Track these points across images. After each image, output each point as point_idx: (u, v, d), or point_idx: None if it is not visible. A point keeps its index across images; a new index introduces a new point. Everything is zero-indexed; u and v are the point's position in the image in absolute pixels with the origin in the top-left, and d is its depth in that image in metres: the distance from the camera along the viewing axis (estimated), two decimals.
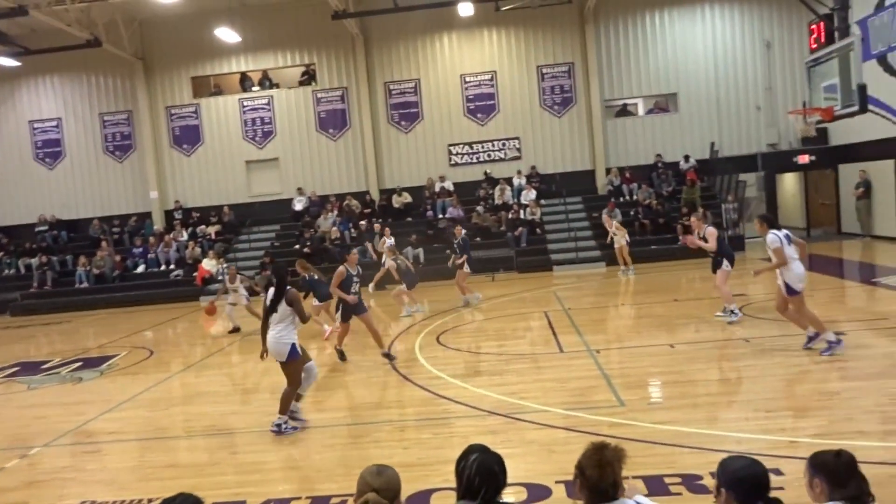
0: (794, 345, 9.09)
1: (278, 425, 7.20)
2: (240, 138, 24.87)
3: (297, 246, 22.29)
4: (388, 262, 15.68)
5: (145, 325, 17.02)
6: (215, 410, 8.70)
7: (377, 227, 21.26)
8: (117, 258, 22.79)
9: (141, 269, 22.77)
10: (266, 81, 25.07)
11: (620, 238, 18.07)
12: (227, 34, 22.85)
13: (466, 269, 14.84)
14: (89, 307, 20.89)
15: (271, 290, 7.34)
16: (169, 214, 24.80)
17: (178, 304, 20.25)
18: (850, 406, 6.53)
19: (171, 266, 22.48)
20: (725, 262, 10.84)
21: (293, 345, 7.19)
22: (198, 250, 22.43)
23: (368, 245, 15.35)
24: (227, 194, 24.87)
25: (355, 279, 9.85)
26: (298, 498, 5.49)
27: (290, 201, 24.45)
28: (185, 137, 24.99)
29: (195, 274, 21.33)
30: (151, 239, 23.38)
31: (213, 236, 23.47)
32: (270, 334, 7.24)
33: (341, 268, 9.71)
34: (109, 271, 22.37)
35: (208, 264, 21.41)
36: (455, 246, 15.22)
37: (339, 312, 10.32)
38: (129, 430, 8.02)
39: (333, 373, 10.07)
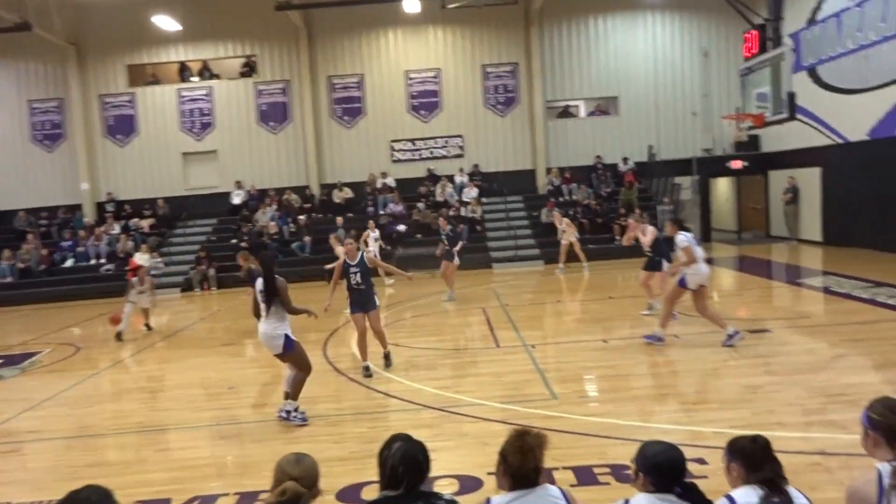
0: (720, 341, 9.36)
1: (287, 412, 7.05)
2: (177, 129, 24.23)
3: (234, 240, 21.85)
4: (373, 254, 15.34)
5: (72, 321, 16.43)
6: (143, 408, 8.44)
7: (339, 220, 21.06)
8: (44, 252, 21.89)
9: (69, 262, 21.94)
10: (206, 72, 24.49)
11: (570, 235, 18.21)
12: (165, 22, 22.24)
13: (456, 261, 14.59)
14: (13, 303, 19.96)
15: (259, 282, 7.05)
16: (100, 207, 23.99)
17: (109, 299, 19.48)
18: (771, 399, 6.75)
19: (102, 260, 21.72)
20: (665, 263, 11.11)
21: (286, 335, 7.02)
22: (130, 244, 21.73)
23: (332, 238, 14.81)
24: (162, 187, 24.19)
25: (353, 270, 8.90)
26: (226, 494, 5.37)
27: (227, 195, 23.94)
28: (119, 127, 24.21)
29: (127, 268, 20.63)
30: (81, 232, 22.55)
31: (147, 230, 22.79)
32: (264, 328, 7.05)
33: (340, 260, 9.12)
34: (35, 265, 21.47)
35: (141, 258, 20.69)
36: (443, 237, 14.91)
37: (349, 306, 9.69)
38: (51, 429, 7.70)
39: (269, 367, 9.88)
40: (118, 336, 12.74)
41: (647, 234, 11.41)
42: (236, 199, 23.73)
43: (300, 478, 2.73)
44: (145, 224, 22.96)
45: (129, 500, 5.29)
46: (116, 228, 22.75)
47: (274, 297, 6.96)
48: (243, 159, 24.33)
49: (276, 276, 7.05)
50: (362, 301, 8.89)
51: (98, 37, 23.79)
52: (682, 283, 9.16)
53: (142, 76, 24.59)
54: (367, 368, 8.81)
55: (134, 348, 12.44)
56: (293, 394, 7.09)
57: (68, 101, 23.89)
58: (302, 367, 7.16)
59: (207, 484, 5.67)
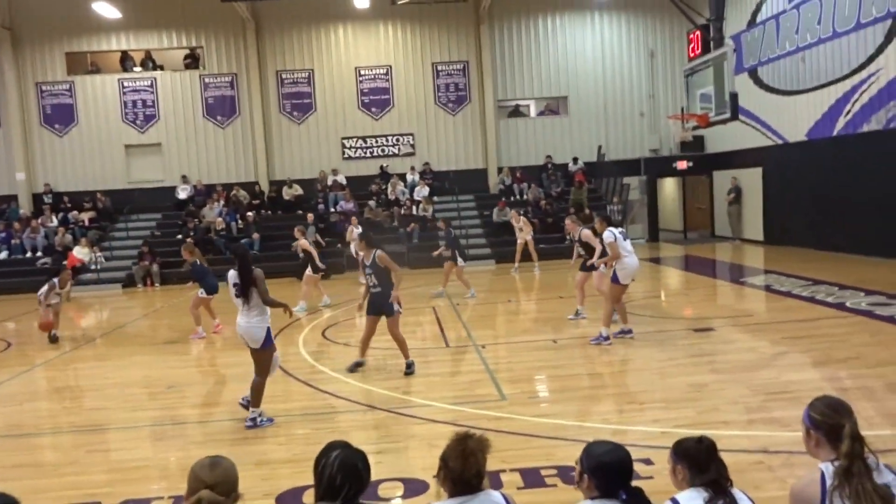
0: (668, 339, 9.49)
1: (253, 419, 6.68)
2: (119, 121, 23.51)
3: (179, 236, 21.28)
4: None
5: (6, 315, 15.75)
6: (78, 406, 8.11)
7: (311, 217, 20.74)
8: None
9: (3, 255, 21.09)
10: (149, 62, 23.80)
11: (526, 234, 18.16)
12: (105, 9, 21.53)
13: (461, 262, 14.35)
14: None
15: (233, 274, 6.72)
16: (37, 198, 23.13)
17: None
18: (716, 397, 6.84)
19: (38, 253, 20.95)
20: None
21: (268, 329, 6.75)
22: (69, 237, 21.01)
23: (297, 232, 14.19)
24: (103, 179, 23.45)
25: (367, 272, 8.46)
26: (160, 498, 5.17)
27: (173, 189, 23.35)
28: (57, 117, 23.35)
29: (65, 262, 19.93)
30: (16, 224, 21.67)
31: (87, 223, 22.06)
32: (244, 320, 6.68)
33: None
34: None
35: (80, 253, 20.12)
36: (442, 240, 15.10)
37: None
38: None
39: (212, 367, 9.63)
40: (53, 339, 12.00)
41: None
42: (182, 194, 23.14)
43: (216, 484, 2.51)
44: (85, 217, 22.22)
45: None
46: (54, 221, 21.95)
47: (251, 289, 6.65)
48: (189, 153, 23.74)
49: (253, 266, 6.77)
50: (377, 304, 8.39)
51: (34, 21, 22.91)
52: (615, 279, 9.44)
53: (81, 64, 23.79)
54: (358, 364, 8.63)
55: (71, 344, 11.98)
56: (254, 401, 6.75)
57: (2, 88, 22.94)
58: (262, 370, 6.81)
59: (143, 486, 5.45)
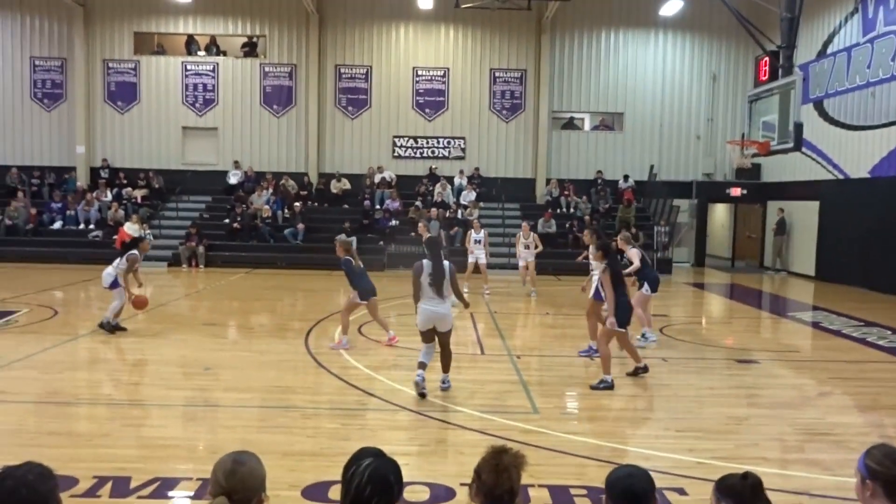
0: (708, 368, 9.26)
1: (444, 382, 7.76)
2: (178, 103, 23.97)
3: (226, 220, 21.63)
4: None
5: (55, 283, 16.18)
6: (116, 380, 8.25)
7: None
8: (33, 211, 21.62)
9: (58, 225, 21.68)
10: (213, 47, 24.24)
11: (530, 255, 15.81)
12: None
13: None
14: None
15: (428, 265, 7.49)
16: (94, 172, 23.70)
17: (94, 265, 19.19)
18: (756, 432, 6.63)
19: (91, 226, 21.49)
20: (646, 286, 10.53)
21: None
22: (121, 213, 21.49)
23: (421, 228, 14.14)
24: (158, 158, 23.94)
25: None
26: (189, 479, 5.19)
27: (224, 174, 23.72)
28: (120, 94, 23.92)
29: (115, 237, 20.39)
30: (72, 195, 22.27)
31: (139, 200, 22.54)
32: (440, 308, 7.46)
33: None
34: (23, 224, 21.21)
35: (130, 228, 20.50)
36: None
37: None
38: (18, 391, 7.47)
39: (249, 352, 9.71)
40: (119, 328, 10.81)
41: (634, 260, 10.73)
42: (233, 179, 23.50)
43: (233, 491, 2.37)
44: (138, 194, 22.70)
45: (88, 474, 5.12)
46: (108, 196, 22.49)
47: (443, 280, 7.31)
48: (243, 140, 24.10)
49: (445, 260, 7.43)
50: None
51: (106, 0, 23.50)
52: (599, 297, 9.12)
53: (148, 45, 24.34)
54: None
55: (114, 319, 12.20)
56: (447, 367, 7.67)
57: (71, 62, 23.58)
58: (449, 342, 7.61)
59: (171, 465, 5.50)
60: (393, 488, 2.47)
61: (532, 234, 16.18)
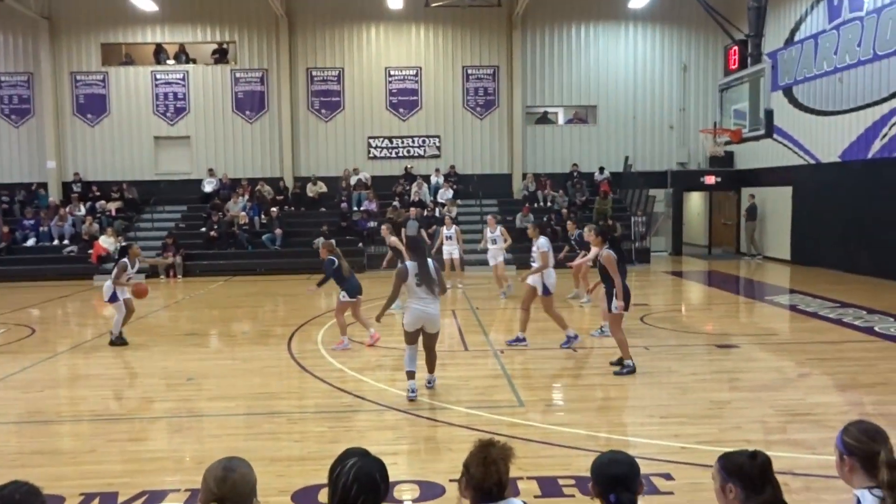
0: (690, 354, 9.37)
1: (429, 381, 7.76)
2: (150, 113, 23.75)
3: (203, 229, 21.47)
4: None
5: (31, 301, 15.95)
6: (98, 395, 8.16)
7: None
8: (5, 229, 21.29)
9: (31, 242, 21.38)
10: (182, 55, 24.02)
11: (499, 254, 15.01)
12: (142, 2, 21.75)
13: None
14: None
15: (414, 266, 7.37)
16: (66, 186, 23.40)
17: (70, 281, 19.10)
18: (738, 415, 6.72)
19: (65, 241, 21.22)
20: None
21: None
22: (95, 226, 21.25)
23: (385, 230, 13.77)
24: (131, 170, 23.71)
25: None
26: (177, 490, 5.17)
27: (199, 182, 23.54)
28: (89, 107, 23.64)
29: (90, 251, 20.19)
30: (44, 211, 21.97)
31: (114, 213, 22.30)
32: (432, 309, 7.32)
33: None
34: None
35: (105, 242, 20.34)
36: (573, 242, 14.70)
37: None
38: None
39: (231, 360, 9.66)
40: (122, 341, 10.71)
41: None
42: (208, 187, 23.33)
43: (225, 498, 2.38)
44: (112, 207, 22.46)
45: (74, 491, 5.08)
46: (82, 210, 22.23)
47: (432, 278, 7.21)
48: (217, 147, 23.93)
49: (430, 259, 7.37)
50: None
51: (72, 12, 23.23)
52: (546, 292, 9.81)
53: (116, 55, 24.08)
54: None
55: (93, 332, 12.10)
56: (433, 366, 7.65)
57: (38, 76, 23.26)
58: (435, 345, 7.54)
59: (159, 478, 5.46)
60: (379, 486, 2.47)
61: (499, 227, 15.34)
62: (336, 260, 9.98)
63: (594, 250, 8.73)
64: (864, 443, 2.66)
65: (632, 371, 8.18)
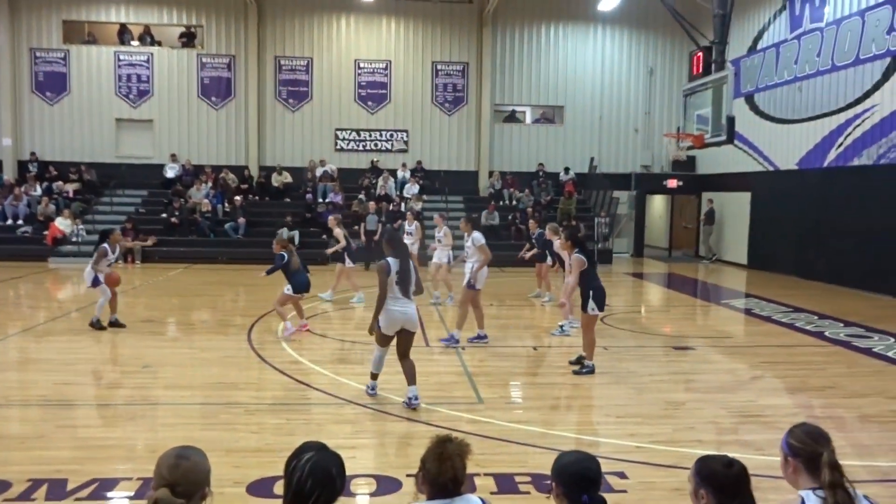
0: (647, 355, 9.52)
1: (416, 397, 6.88)
2: (112, 94, 23.23)
3: (164, 215, 21.09)
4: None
5: None
6: (49, 380, 7.97)
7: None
8: None
9: None
10: (147, 37, 23.54)
11: (443, 254, 13.69)
12: None
13: (549, 260, 13.51)
14: None
15: (395, 263, 6.79)
16: (22, 165, 22.78)
17: (23, 262, 18.63)
18: (692, 416, 6.86)
19: (19, 221, 20.66)
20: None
21: None
22: (52, 207, 20.74)
23: (333, 221, 13.40)
24: (91, 151, 23.17)
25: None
26: (129, 479, 5.08)
27: (161, 167, 23.11)
28: (49, 84, 23.04)
29: (46, 233, 19.71)
30: None
31: (71, 195, 21.78)
32: (410, 308, 6.83)
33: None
34: None
35: (62, 224, 19.88)
36: (533, 240, 14.38)
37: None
38: None
39: (189, 349, 9.53)
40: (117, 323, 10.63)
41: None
42: (170, 173, 22.92)
43: (176, 484, 2.34)
44: (70, 188, 21.95)
45: (22, 477, 4.98)
46: (38, 190, 21.67)
47: (411, 279, 6.82)
48: (181, 132, 23.53)
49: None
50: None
51: None
52: (470, 286, 9.96)
53: (78, 33, 23.50)
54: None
55: (46, 316, 11.82)
56: (413, 379, 6.88)
57: None
58: (409, 350, 6.93)
59: (110, 466, 5.36)
60: (335, 481, 2.46)
61: (444, 227, 13.81)
62: (287, 255, 10.21)
63: (565, 255, 8.75)
64: (808, 445, 2.72)
65: (591, 372, 8.29)
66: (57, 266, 18.68)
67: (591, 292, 8.24)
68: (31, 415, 6.74)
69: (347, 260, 13.32)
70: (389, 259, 6.73)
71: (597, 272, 8.50)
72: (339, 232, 13.26)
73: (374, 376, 7.19)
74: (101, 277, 10.45)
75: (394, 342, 6.93)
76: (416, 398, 6.80)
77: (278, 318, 10.59)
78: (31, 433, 6.13)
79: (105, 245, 10.50)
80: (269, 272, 10.56)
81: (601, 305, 8.34)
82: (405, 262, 6.81)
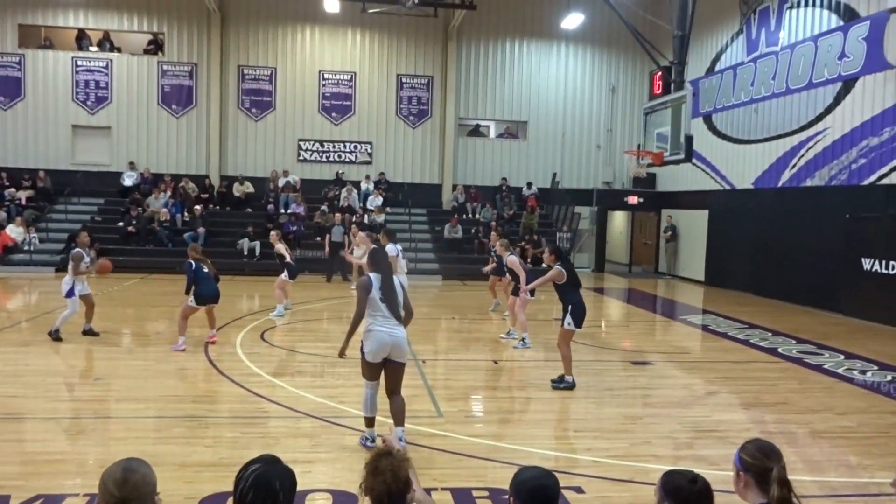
0: (606, 370, 9.60)
1: (400, 439, 5.75)
2: (68, 100, 22.75)
3: (120, 223, 20.67)
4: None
5: None
6: None
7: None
8: None
9: None
10: (106, 43, 23.14)
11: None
12: None
13: (508, 277, 12.91)
14: None
15: (377, 279, 5.99)
16: None
17: None
18: (649, 431, 6.93)
19: None
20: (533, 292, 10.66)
21: None
22: (3, 214, 20.17)
23: (274, 237, 13.28)
24: (46, 158, 22.62)
25: None
26: (76, 495, 4.94)
27: (118, 175, 22.66)
28: (3, 89, 22.46)
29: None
30: None
31: (24, 202, 21.21)
32: (398, 331, 6.01)
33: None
34: None
35: (14, 231, 19.36)
36: (493, 254, 14.01)
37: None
38: None
39: (143, 361, 9.32)
40: (90, 332, 10.69)
41: (508, 262, 11.43)
42: (128, 181, 22.48)
43: (127, 500, 2.31)
44: (23, 195, 21.37)
45: None
46: None
47: (395, 297, 5.99)
48: (139, 140, 23.13)
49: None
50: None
51: None
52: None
53: (34, 38, 22.99)
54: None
55: None
56: (401, 419, 6.03)
57: None
58: (400, 385, 6.07)
59: (57, 481, 5.20)
60: (278, 495, 2.43)
61: (360, 234, 13.94)
62: (194, 264, 9.95)
63: (552, 271, 8.59)
64: (759, 460, 2.77)
65: (571, 387, 8.24)
66: (7, 275, 18.15)
67: (570, 307, 8.28)
68: None
69: (286, 273, 13.19)
70: (371, 275, 6.04)
71: (579, 289, 8.49)
72: (280, 247, 13.22)
73: (370, 422, 6.11)
74: (78, 287, 10.35)
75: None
76: (402, 441, 5.75)
77: (236, 329, 10.43)
78: None
79: (77, 249, 10.49)
80: (186, 290, 9.98)
81: (579, 322, 8.35)
82: (388, 278, 6.04)
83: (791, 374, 9.70)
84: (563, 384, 8.31)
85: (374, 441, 5.97)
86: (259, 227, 20.61)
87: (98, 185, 22.48)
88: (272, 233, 13.94)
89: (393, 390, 6.03)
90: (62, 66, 22.70)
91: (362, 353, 6.02)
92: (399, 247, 11.71)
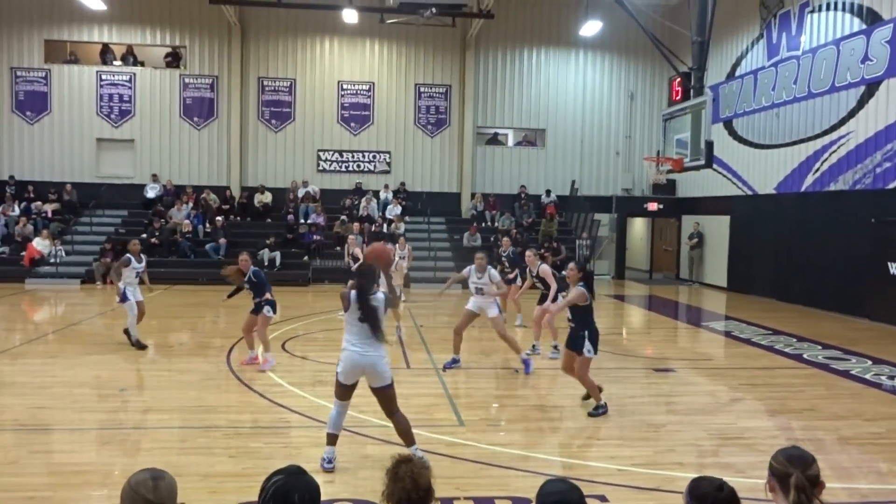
0: (628, 377, 9.54)
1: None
2: (93, 113, 23.13)
3: (144, 235, 20.92)
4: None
5: None
6: (23, 403, 7.83)
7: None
8: None
9: None
10: (130, 57, 23.50)
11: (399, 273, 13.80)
12: (91, 0, 21.20)
13: (519, 281, 13.27)
14: None
15: (355, 294, 5.66)
16: (0, 186, 22.53)
17: (1, 283, 18.36)
18: (673, 439, 6.87)
19: None
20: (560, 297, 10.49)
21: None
22: (30, 228, 20.51)
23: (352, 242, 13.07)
24: (71, 171, 23.01)
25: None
26: None
27: (142, 187, 22.98)
28: (29, 104, 22.89)
29: (23, 253, 19.47)
30: None
31: (50, 215, 21.56)
32: (372, 352, 5.65)
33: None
34: None
35: (40, 244, 19.66)
36: (504, 259, 13.96)
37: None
38: None
39: (167, 371, 9.41)
40: (140, 345, 10.71)
41: (548, 280, 10.97)
42: (151, 193, 22.78)
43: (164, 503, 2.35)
44: (49, 209, 21.72)
45: None
46: (16, 210, 21.43)
47: (375, 319, 5.62)
48: (162, 152, 23.44)
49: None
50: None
51: (14, 5, 22.55)
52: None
53: (60, 53, 23.42)
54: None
55: (21, 338, 11.63)
56: (410, 438, 5.82)
57: None
58: (396, 405, 5.80)
59: (84, 492, 5.27)
60: None
61: (408, 245, 14.05)
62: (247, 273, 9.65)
63: (575, 292, 7.90)
64: (782, 465, 2.81)
65: (604, 412, 7.67)
66: (34, 287, 18.44)
67: (586, 333, 7.66)
68: (4, 440, 6.60)
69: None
70: (352, 292, 5.69)
71: (592, 309, 7.85)
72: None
73: (331, 439, 5.79)
74: (131, 293, 10.62)
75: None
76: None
77: (257, 340, 10.47)
78: (3, 459, 6.01)
79: (127, 255, 10.78)
80: (260, 299, 9.62)
81: (597, 348, 7.86)
82: (364, 299, 5.60)
83: (817, 381, 9.57)
84: (599, 411, 7.70)
85: (330, 462, 5.72)
86: (279, 238, 20.76)
87: (122, 198, 22.80)
88: (349, 238, 13.97)
89: (389, 412, 5.82)
90: (87, 81, 23.09)
91: (336, 372, 5.85)
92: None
